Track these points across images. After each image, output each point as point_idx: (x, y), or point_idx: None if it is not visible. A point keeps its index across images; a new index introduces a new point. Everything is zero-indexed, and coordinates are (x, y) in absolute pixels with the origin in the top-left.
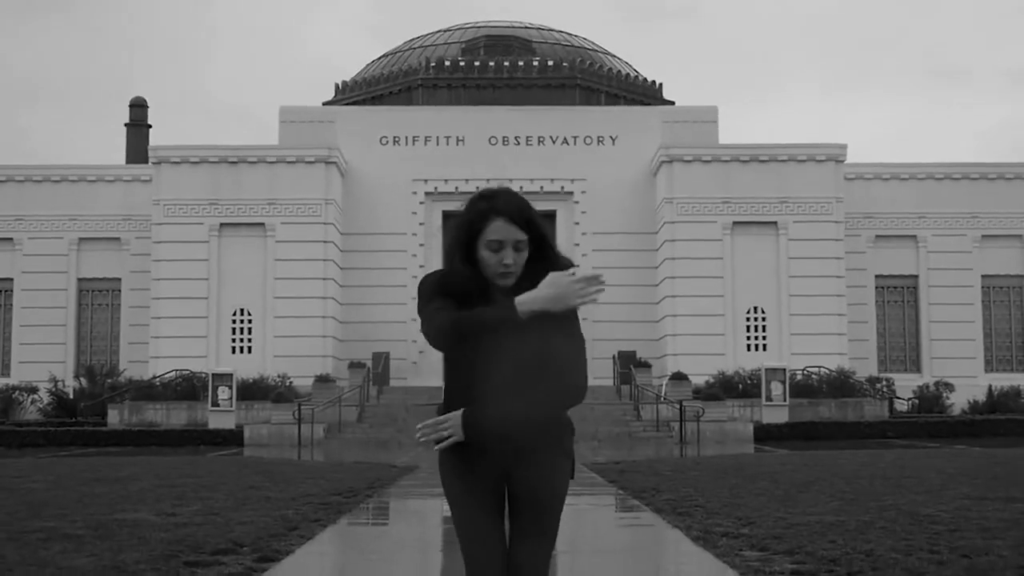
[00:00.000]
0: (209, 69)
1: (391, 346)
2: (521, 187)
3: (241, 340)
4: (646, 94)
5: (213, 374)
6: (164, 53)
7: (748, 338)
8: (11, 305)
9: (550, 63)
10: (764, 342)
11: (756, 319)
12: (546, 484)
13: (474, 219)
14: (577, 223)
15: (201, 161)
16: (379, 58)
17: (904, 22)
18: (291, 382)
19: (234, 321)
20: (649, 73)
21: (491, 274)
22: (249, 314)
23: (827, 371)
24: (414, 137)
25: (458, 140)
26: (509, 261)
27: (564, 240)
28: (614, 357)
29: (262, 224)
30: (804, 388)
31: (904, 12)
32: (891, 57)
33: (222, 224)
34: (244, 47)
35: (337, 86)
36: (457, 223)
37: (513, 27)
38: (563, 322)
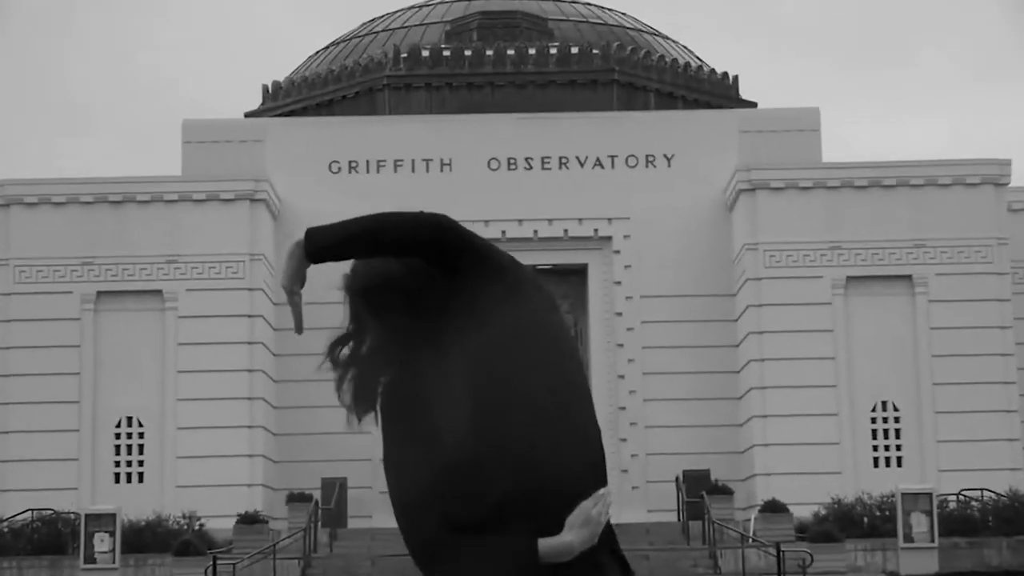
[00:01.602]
0: (80, 70)
1: (348, 469)
2: (536, 231)
3: (128, 464)
4: (715, 92)
5: (87, 515)
6: (14, 48)
7: (875, 448)
8: None
9: (574, 50)
10: (898, 454)
11: (885, 420)
12: None
13: None
14: (618, 283)
15: (69, 201)
16: (326, 47)
17: None
18: (202, 524)
19: (118, 436)
20: (719, 63)
21: None
22: (140, 425)
23: (993, 496)
24: (379, 161)
25: (443, 164)
26: None
27: (601, 308)
28: (678, 480)
29: (158, 292)
30: (960, 521)
31: None
32: None
33: (100, 293)
34: (133, 39)
35: (265, 89)
36: None
37: None
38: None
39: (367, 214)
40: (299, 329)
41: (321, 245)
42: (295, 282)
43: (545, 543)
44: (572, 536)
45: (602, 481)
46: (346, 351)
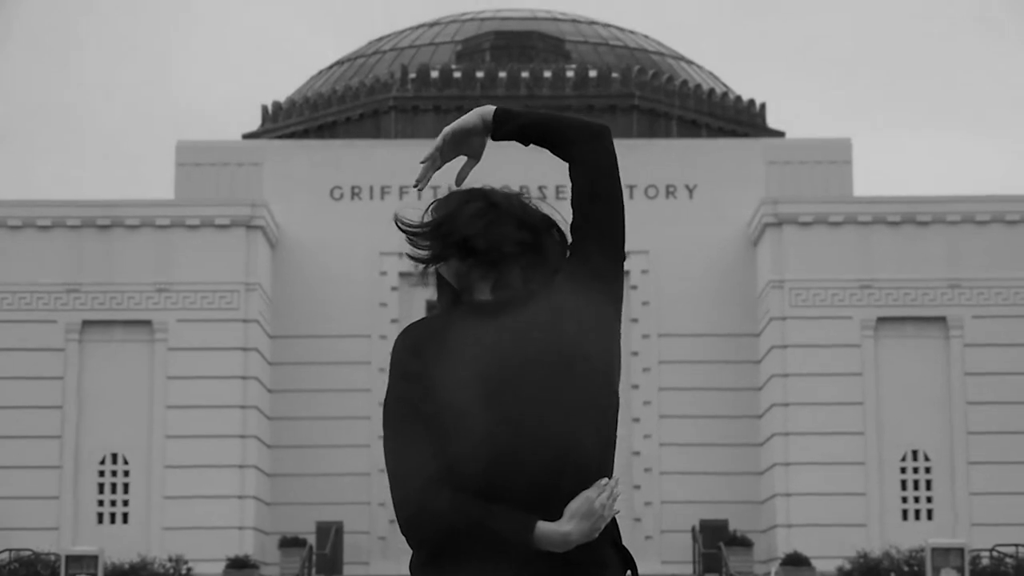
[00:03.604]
0: (71, 88)
1: (345, 513)
2: None
3: (113, 503)
4: (741, 120)
5: (68, 556)
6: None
7: (904, 500)
8: None
9: (593, 73)
10: (929, 506)
11: (916, 470)
12: None
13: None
14: (635, 320)
15: (55, 225)
16: (330, 67)
17: None
18: (190, 568)
19: (102, 473)
20: (745, 89)
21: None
22: (126, 462)
23: None
24: (383, 187)
25: (451, 191)
26: None
27: None
28: (694, 530)
29: (148, 322)
30: None
31: None
32: None
33: (86, 323)
34: (126, 56)
35: (265, 110)
36: None
37: (536, 18)
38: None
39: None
40: (420, 186)
41: (507, 117)
42: (461, 136)
43: (541, 528)
44: (571, 527)
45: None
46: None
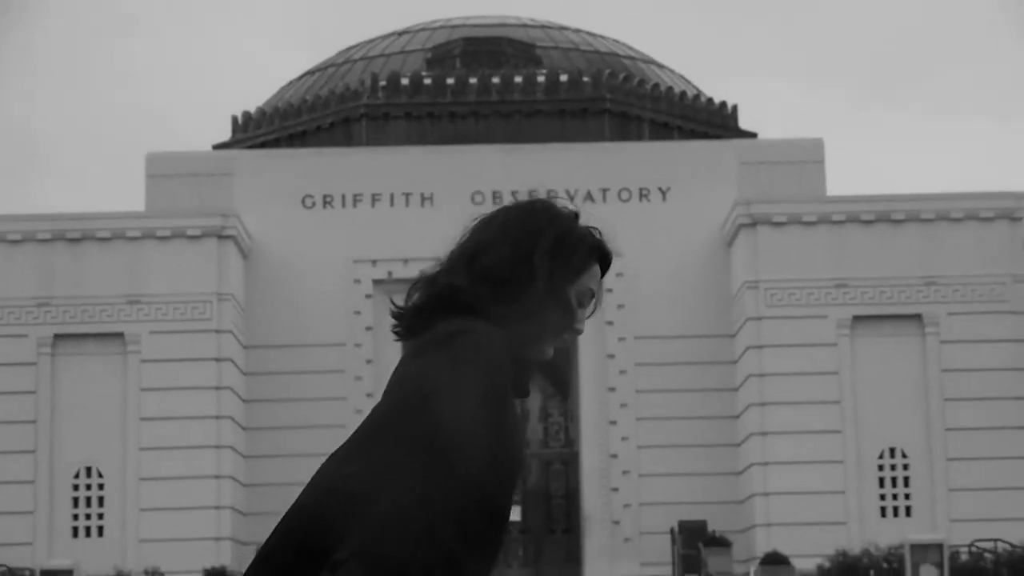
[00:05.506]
0: (38, 101)
1: None
2: None
3: (87, 517)
4: (713, 122)
5: (43, 571)
6: None
7: (882, 497)
8: None
9: (564, 77)
10: (907, 503)
11: (894, 467)
12: None
13: (579, 249)
14: (610, 323)
15: (24, 239)
16: (301, 76)
17: None
18: None
19: (76, 487)
20: (717, 91)
21: (560, 331)
22: (100, 475)
23: (1008, 547)
24: (355, 195)
25: (424, 198)
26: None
27: (592, 352)
28: (672, 531)
29: (120, 335)
30: (973, 574)
31: None
32: None
33: (57, 336)
34: (94, 67)
35: (235, 120)
36: (546, 248)
37: (506, 24)
38: None
39: None
40: None
41: None
42: None
43: None
44: None
45: None
46: None
